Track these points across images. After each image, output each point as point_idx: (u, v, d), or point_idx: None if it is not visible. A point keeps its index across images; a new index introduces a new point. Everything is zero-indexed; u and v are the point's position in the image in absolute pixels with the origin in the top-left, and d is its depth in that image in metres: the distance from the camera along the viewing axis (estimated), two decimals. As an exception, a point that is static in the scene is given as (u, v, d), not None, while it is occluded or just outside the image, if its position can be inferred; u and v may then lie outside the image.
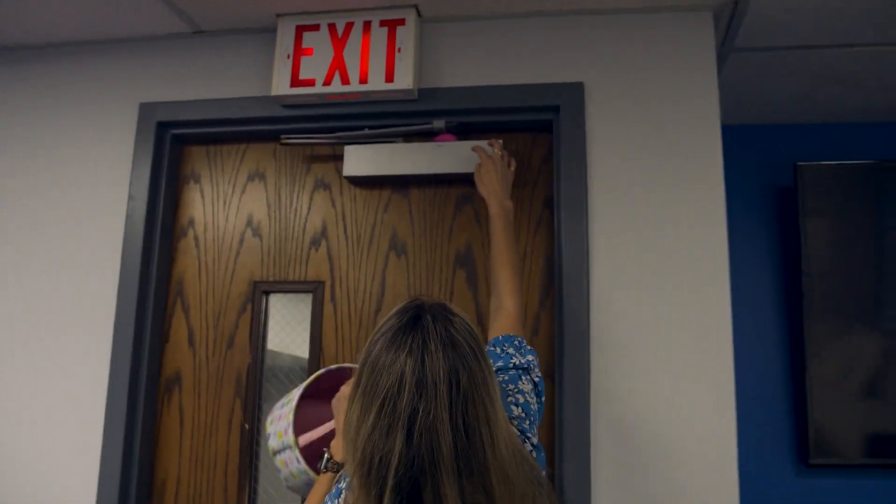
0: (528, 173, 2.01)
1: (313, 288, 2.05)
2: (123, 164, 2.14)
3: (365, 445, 1.02)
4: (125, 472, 1.96)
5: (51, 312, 2.10)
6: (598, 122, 1.92)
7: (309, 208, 2.11)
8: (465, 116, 2.00)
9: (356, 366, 1.11)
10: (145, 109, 2.16)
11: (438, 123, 1.98)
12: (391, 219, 2.06)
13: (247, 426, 2.01)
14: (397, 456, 0.99)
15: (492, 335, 1.54)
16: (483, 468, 1.02)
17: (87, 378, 2.03)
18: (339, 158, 2.09)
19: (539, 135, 2.03)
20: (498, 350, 1.46)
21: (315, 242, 2.08)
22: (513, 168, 1.88)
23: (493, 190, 1.79)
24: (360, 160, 2.02)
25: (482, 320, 1.95)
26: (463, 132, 2.02)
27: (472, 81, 1.99)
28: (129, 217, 2.09)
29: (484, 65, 2.00)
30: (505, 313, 1.60)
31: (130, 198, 2.10)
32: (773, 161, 2.60)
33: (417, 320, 1.07)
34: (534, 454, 1.32)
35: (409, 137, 2.03)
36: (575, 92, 1.93)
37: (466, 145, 1.95)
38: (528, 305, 1.94)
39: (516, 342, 1.49)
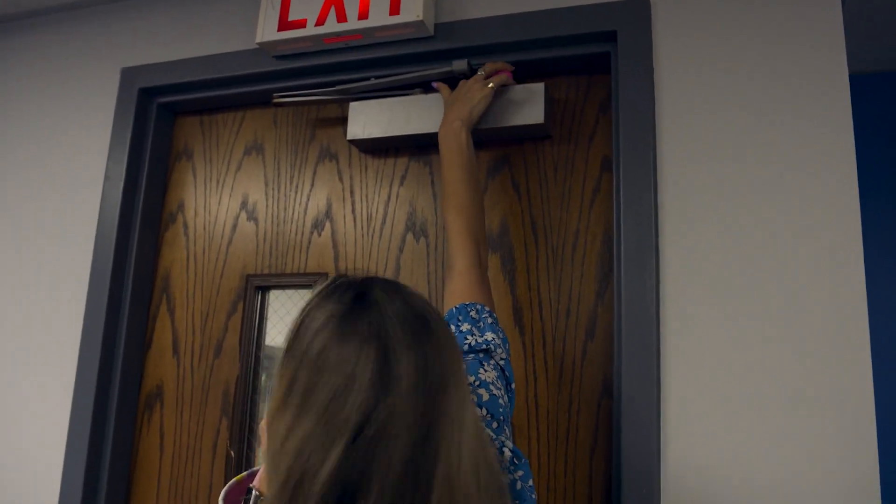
0: (582, 128, 1.54)
1: (314, 281, 1.64)
2: (103, 139, 1.82)
3: (294, 460, 0.74)
4: (89, 507, 1.62)
5: (16, 314, 1.80)
6: (671, 53, 1.42)
7: (312, 184, 1.71)
8: (495, 55, 1.54)
9: None
10: (127, 75, 1.83)
11: (459, 65, 1.53)
12: (409, 193, 1.63)
13: (232, 453, 1.62)
14: (329, 471, 0.71)
15: (445, 307, 1.15)
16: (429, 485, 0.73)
17: (52, 395, 1.71)
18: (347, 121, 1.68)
19: (593, 77, 1.56)
20: (451, 329, 1.05)
21: (318, 225, 1.68)
22: (491, 87, 1.45)
23: (451, 106, 1.44)
24: (367, 119, 1.60)
25: (521, 317, 1.49)
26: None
27: (503, 10, 1.53)
28: (103, 201, 1.76)
29: (517, -13, 1.54)
30: (455, 274, 1.20)
31: (106, 178, 1.77)
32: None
33: (365, 298, 0.79)
34: (516, 466, 0.96)
35: (427, 88, 1.60)
36: (637, 12, 1.44)
37: (501, 92, 1.50)
38: (582, 300, 1.46)
39: (473, 312, 1.10)
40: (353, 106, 1.62)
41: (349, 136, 1.61)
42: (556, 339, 1.46)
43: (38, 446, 1.69)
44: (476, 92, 1.43)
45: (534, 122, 1.48)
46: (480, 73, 1.47)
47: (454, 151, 1.35)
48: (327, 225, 1.67)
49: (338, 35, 1.57)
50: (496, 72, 1.47)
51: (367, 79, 1.61)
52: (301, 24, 1.59)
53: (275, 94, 1.67)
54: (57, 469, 1.65)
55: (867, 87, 2.00)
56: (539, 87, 1.49)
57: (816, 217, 1.27)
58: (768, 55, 1.36)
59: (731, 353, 1.27)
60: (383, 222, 1.63)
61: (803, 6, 1.36)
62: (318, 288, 0.85)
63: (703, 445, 1.25)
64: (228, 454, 1.63)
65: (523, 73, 1.56)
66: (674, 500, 1.25)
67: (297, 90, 1.69)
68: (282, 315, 1.68)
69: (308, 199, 1.70)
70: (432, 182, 1.61)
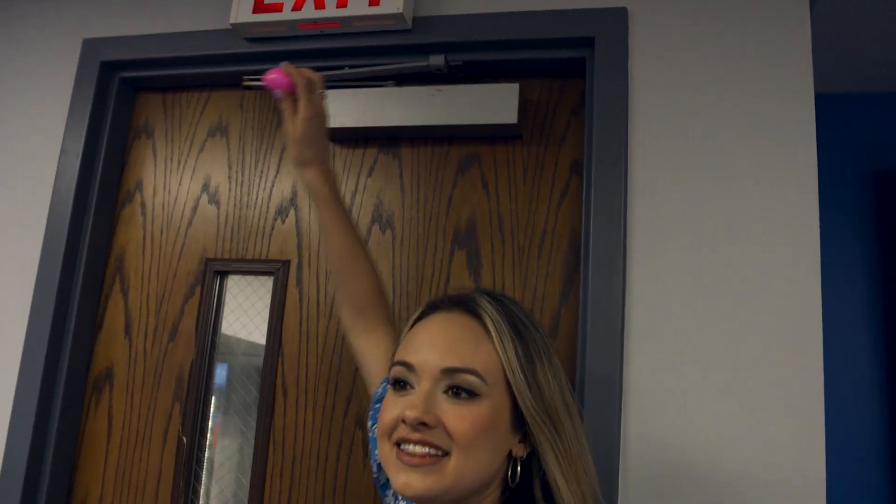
0: (553, 130, 1.56)
1: (276, 268, 1.62)
2: (61, 112, 1.76)
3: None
4: (29, 491, 1.57)
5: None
6: (646, 63, 1.45)
7: (278, 170, 1.68)
8: (472, 52, 1.55)
9: None
10: (89, 47, 1.77)
11: (436, 60, 1.53)
12: (376, 185, 1.62)
13: (184, 439, 1.59)
14: None
15: (372, 372, 1.17)
16: None
17: (-5, 370, 1.65)
18: (317, 109, 1.66)
19: (567, 81, 1.58)
20: None
21: (282, 212, 1.66)
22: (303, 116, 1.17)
23: (320, 145, 1.19)
24: (338, 108, 1.59)
25: (484, 316, 1.50)
26: (469, 74, 1.58)
27: (482, 8, 1.54)
28: (59, 175, 1.70)
29: (497, -14, 1.55)
30: (376, 332, 1.18)
31: (63, 152, 1.71)
32: (876, 139, 2.09)
33: None
34: None
35: (401, 81, 1.59)
36: (615, 20, 1.47)
37: (477, 90, 1.51)
38: (547, 299, 1.48)
39: None
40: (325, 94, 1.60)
41: (320, 124, 1.59)
42: (519, 338, 1.48)
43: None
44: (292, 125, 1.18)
45: (507, 122, 1.49)
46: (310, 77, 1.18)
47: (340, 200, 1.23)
48: (292, 212, 1.65)
49: (314, 21, 1.56)
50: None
51: (342, 68, 1.60)
52: (277, 7, 1.57)
53: (244, 77, 1.64)
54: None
55: (832, 106, 2.08)
56: (514, 88, 1.50)
57: (778, 223, 1.33)
58: (740, 71, 1.40)
59: (696, 356, 1.31)
60: (349, 213, 1.61)
61: (775, 26, 1.40)
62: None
63: (664, 446, 1.29)
64: (180, 440, 1.60)
65: (499, 72, 1.57)
66: (633, 495, 1.28)
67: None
68: (240, 301, 1.66)
69: (273, 186, 1.68)
70: (400, 174, 1.61)
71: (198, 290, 1.67)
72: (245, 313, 1.65)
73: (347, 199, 1.62)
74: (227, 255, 1.66)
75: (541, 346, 0.94)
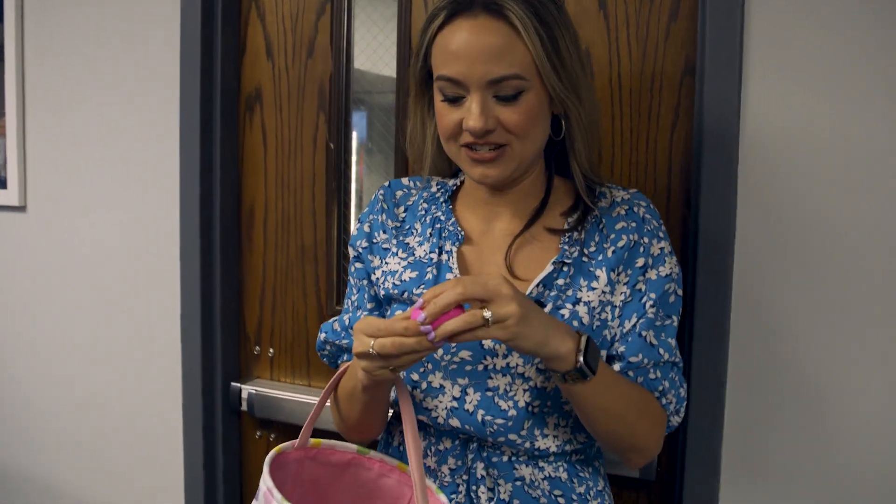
0: None
1: (400, -22, 1.68)
2: None
3: None
4: (206, 199, 1.80)
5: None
6: None
7: None
8: None
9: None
10: None
11: None
12: None
13: (332, 145, 1.76)
14: None
15: None
16: None
17: (155, 97, 1.84)
18: None
19: None
20: None
21: (399, -80, 1.69)
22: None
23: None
24: None
25: (606, 3, 1.53)
26: None
27: None
28: None
29: None
30: None
31: None
32: None
33: None
34: None
35: None
36: None
37: None
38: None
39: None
40: None
41: None
42: (640, 23, 1.51)
43: (154, 149, 1.85)
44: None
45: None
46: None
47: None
48: (409, -81, 1.67)
49: None
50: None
51: None
52: None
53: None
54: (173, 167, 1.82)
55: None
56: None
57: None
58: None
59: (815, 36, 1.33)
60: None
61: None
62: None
63: (781, 113, 1.35)
64: (328, 147, 1.76)
65: None
66: (751, 163, 1.37)
67: None
68: (369, 13, 1.74)
69: None
70: None
71: (328, 6, 1.75)
72: (374, 24, 1.73)
73: None
74: (351, -31, 1.73)
75: (558, 19, 1.03)
